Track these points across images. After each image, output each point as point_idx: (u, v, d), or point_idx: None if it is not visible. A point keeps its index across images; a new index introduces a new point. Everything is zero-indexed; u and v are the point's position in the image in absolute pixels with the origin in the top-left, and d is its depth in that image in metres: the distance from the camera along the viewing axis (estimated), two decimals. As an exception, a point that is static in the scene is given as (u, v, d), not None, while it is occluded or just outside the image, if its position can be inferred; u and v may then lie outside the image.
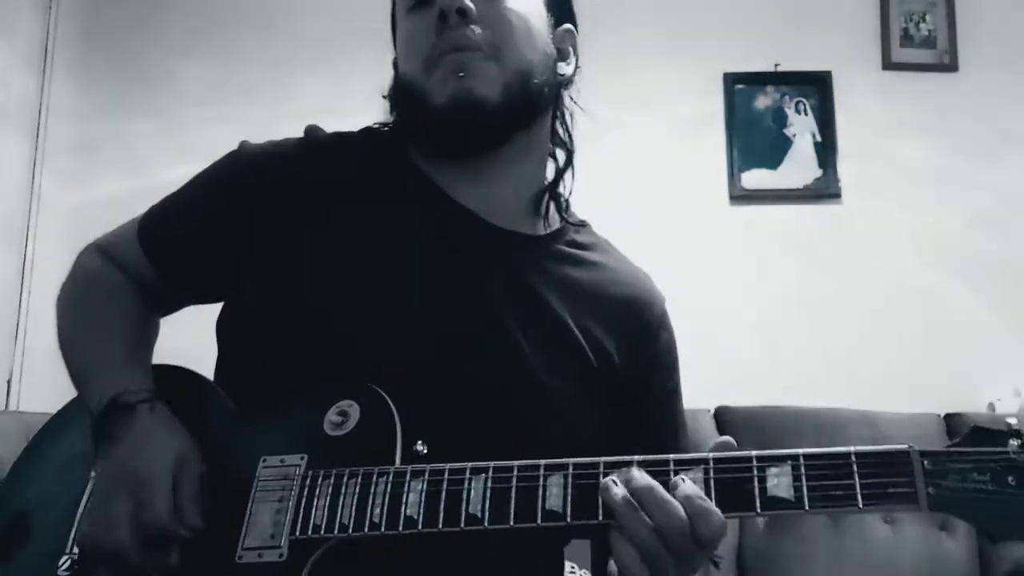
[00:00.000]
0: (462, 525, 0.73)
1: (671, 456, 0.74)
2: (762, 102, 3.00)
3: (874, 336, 2.80)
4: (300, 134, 1.04)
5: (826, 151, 2.94)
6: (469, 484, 0.75)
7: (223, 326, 0.97)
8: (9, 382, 2.71)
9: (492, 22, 0.91)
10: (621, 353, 0.96)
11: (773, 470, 0.72)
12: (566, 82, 1.01)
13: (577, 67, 1.02)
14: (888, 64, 2.99)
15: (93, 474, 0.88)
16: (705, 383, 2.59)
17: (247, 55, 3.01)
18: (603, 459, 0.74)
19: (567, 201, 1.04)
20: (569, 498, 0.73)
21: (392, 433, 0.80)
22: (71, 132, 2.96)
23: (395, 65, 1.02)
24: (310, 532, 0.77)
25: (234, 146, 1.03)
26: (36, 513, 0.92)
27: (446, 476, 0.75)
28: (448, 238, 0.94)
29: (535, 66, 0.94)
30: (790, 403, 2.56)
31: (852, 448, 0.72)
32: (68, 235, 2.83)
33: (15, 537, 0.91)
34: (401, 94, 0.98)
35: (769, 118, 2.99)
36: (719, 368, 2.69)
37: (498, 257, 0.94)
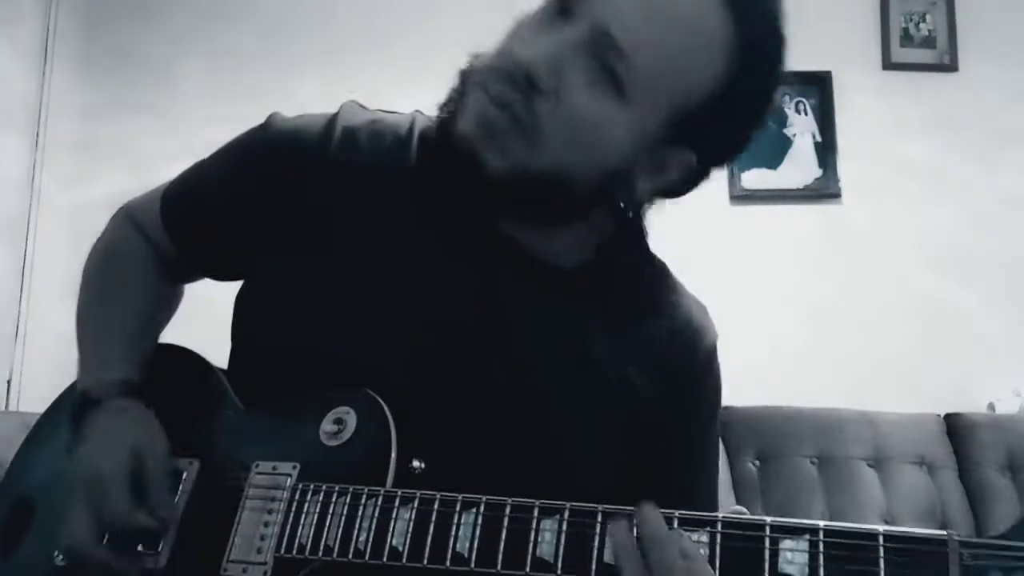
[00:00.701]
0: (447, 564, 0.69)
1: (676, 513, 0.67)
2: (762, 102, 2.99)
3: (874, 336, 2.80)
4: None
5: (826, 151, 2.94)
6: (459, 518, 0.70)
7: (236, 313, 0.94)
8: (9, 382, 2.71)
9: (556, 109, 0.78)
10: (658, 397, 0.87)
11: (788, 543, 0.64)
12: (642, 201, 0.88)
13: (682, 190, 0.88)
14: (888, 64, 2.99)
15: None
16: (705, 383, 2.60)
17: (247, 54, 3.01)
18: (601, 507, 0.68)
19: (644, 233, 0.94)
20: (562, 547, 0.67)
21: (387, 448, 0.76)
22: (71, 131, 2.96)
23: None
24: (295, 552, 0.74)
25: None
26: (34, 504, 0.91)
27: (435, 507, 0.71)
28: (480, 269, 0.85)
29: (585, 173, 0.81)
30: (790, 403, 2.57)
31: (882, 528, 0.64)
32: (68, 235, 2.86)
33: (15, 529, 0.90)
34: (460, 82, 0.85)
35: (769, 118, 2.98)
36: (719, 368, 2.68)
37: (525, 296, 0.86)
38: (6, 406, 2.67)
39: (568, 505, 0.69)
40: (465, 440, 0.80)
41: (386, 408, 0.78)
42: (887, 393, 2.64)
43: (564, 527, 0.68)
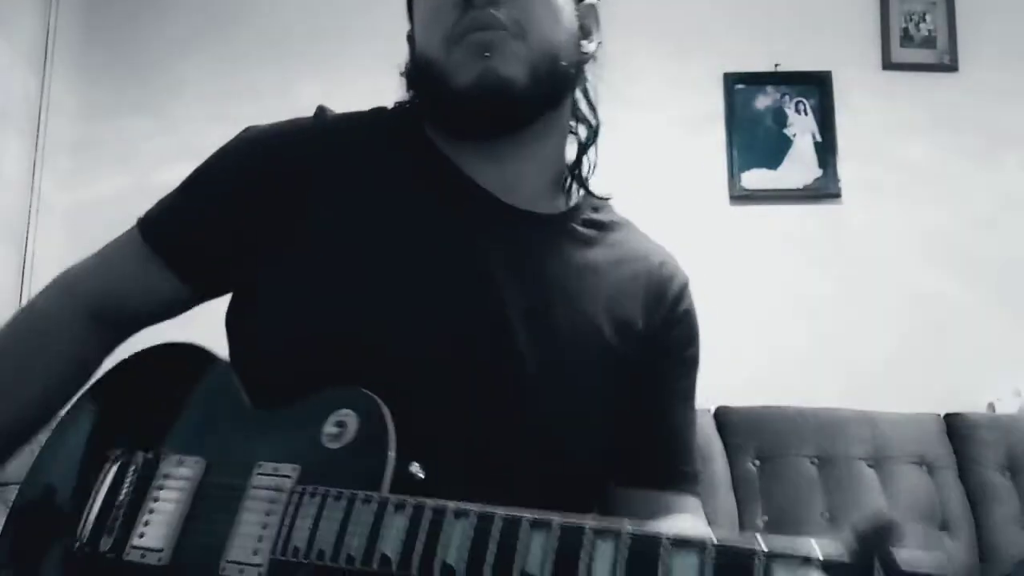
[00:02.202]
0: (435, 575, 0.68)
1: (663, 534, 0.63)
2: (762, 102, 3.00)
3: (874, 336, 2.80)
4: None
5: (826, 151, 2.94)
6: (450, 528, 0.68)
7: (231, 319, 0.95)
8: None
9: (518, 1, 0.87)
10: (644, 326, 0.93)
11: (781, 572, 0.60)
12: (588, 59, 0.97)
13: (599, 42, 0.98)
14: (888, 64, 3.00)
15: (108, 464, 0.88)
16: (705, 383, 2.57)
17: (247, 55, 3.01)
18: (589, 523, 0.65)
19: (587, 178, 1.02)
20: (549, 564, 0.65)
21: (385, 452, 0.75)
22: (71, 132, 2.96)
23: (410, 40, 0.98)
24: (289, 554, 0.74)
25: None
26: (53, 504, 0.91)
27: (425, 515, 0.69)
28: (463, 221, 0.90)
29: (562, 46, 0.90)
30: (790, 403, 2.57)
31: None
32: (68, 235, 2.86)
33: (37, 528, 0.91)
34: (420, 72, 0.93)
35: (769, 118, 2.99)
36: (719, 368, 2.67)
37: (513, 240, 0.91)
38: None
39: (556, 520, 0.66)
40: (464, 424, 0.82)
41: (386, 412, 0.78)
42: (887, 393, 2.65)
43: (553, 543, 0.65)
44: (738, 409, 2.56)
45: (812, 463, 2.48)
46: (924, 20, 3.02)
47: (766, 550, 0.59)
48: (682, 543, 0.61)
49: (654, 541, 0.62)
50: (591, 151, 1.01)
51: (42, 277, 2.82)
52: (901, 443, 2.50)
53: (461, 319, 0.86)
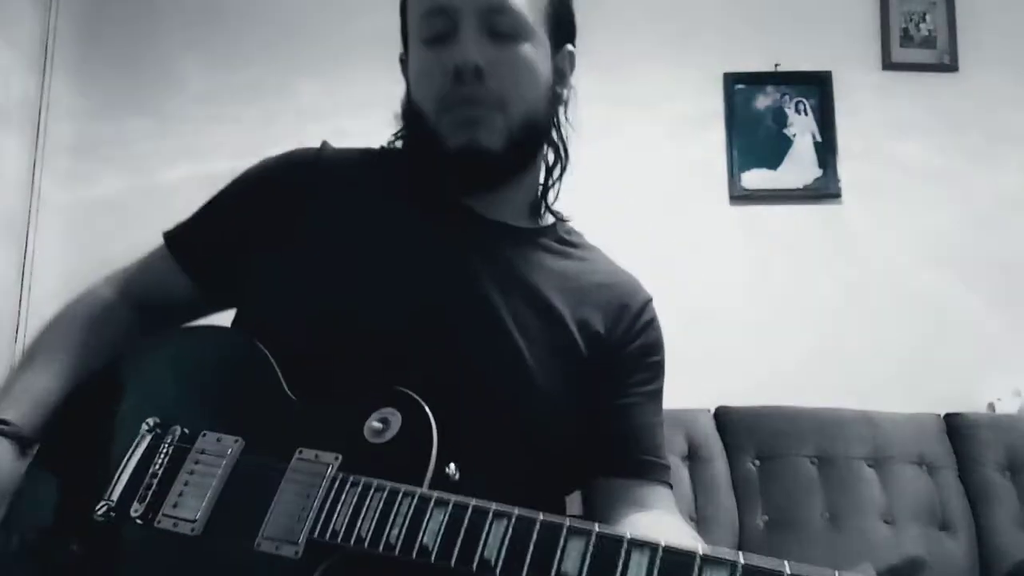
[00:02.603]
0: (474, 567, 0.72)
1: (698, 551, 0.67)
2: (762, 102, 3.00)
3: (874, 336, 2.80)
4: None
5: (826, 151, 2.95)
6: (490, 527, 0.73)
7: (238, 314, 1.03)
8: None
9: (502, 73, 0.97)
10: (608, 331, 1.01)
11: None
12: (561, 102, 1.07)
13: (571, 87, 1.08)
14: (888, 64, 3.00)
15: (142, 431, 0.91)
16: (705, 383, 2.60)
17: (247, 55, 3.00)
18: (627, 536, 0.70)
19: (550, 201, 1.11)
20: (586, 567, 0.69)
21: (428, 452, 0.80)
22: (71, 132, 2.96)
23: (403, 62, 1.07)
24: (327, 536, 0.77)
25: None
26: (78, 466, 0.94)
27: (469, 513, 0.74)
28: (444, 230, 1.00)
29: (539, 108, 1.01)
30: (790, 403, 2.57)
31: None
32: (68, 235, 2.86)
33: (58, 487, 0.93)
34: (414, 120, 1.02)
35: (769, 118, 2.99)
36: (719, 368, 2.69)
37: (492, 247, 1.00)
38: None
39: (596, 528, 0.71)
40: (461, 415, 0.86)
41: (431, 416, 0.82)
42: (887, 393, 2.65)
43: (591, 548, 0.70)
44: (738, 409, 2.57)
45: (812, 463, 2.48)
46: (924, 20, 3.02)
47: (790, 574, 0.63)
48: (713, 560, 0.66)
49: (688, 556, 0.67)
50: (559, 179, 1.09)
51: (42, 277, 2.83)
52: (901, 443, 2.50)
53: (444, 311, 0.94)
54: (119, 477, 0.88)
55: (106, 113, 3.00)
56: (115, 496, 0.87)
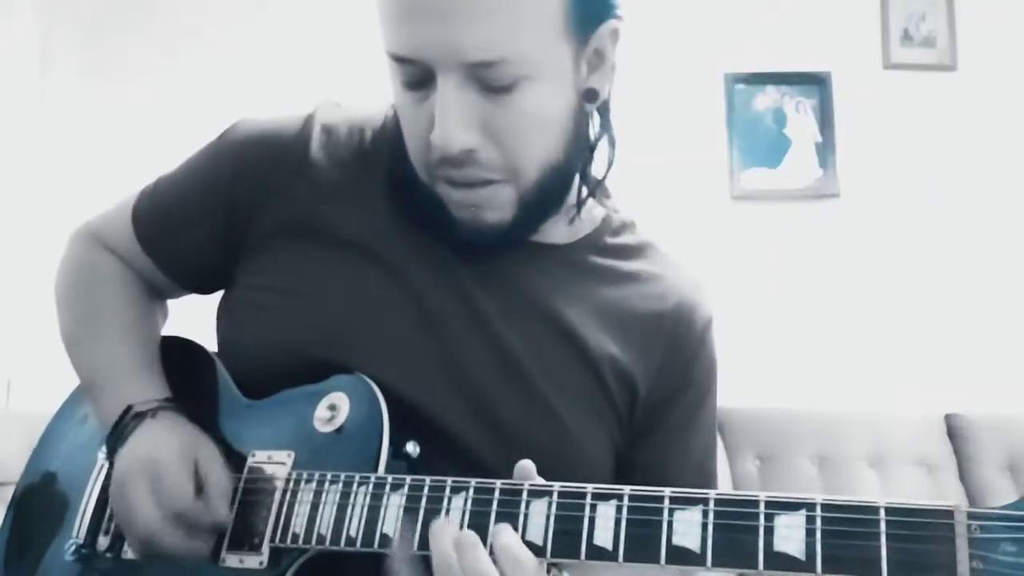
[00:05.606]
0: None
1: (666, 490, 0.65)
2: (762, 102, 2.99)
3: (874, 336, 2.80)
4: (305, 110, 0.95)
5: (826, 151, 2.94)
6: (448, 503, 0.70)
7: (219, 314, 0.95)
8: (9, 382, 2.71)
9: (502, 139, 0.78)
10: (647, 377, 0.88)
11: (783, 519, 0.61)
12: (597, 95, 0.86)
13: (613, 66, 0.87)
14: (888, 64, 2.99)
15: (99, 462, 0.87)
16: (705, 383, 2.60)
17: (247, 54, 3.01)
18: (591, 487, 0.67)
19: (599, 197, 0.96)
20: (550, 530, 0.67)
21: (379, 433, 0.76)
22: (71, 130, 2.96)
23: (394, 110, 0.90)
24: (289, 541, 0.75)
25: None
26: (50, 498, 0.91)
27: (425, 492, 0.71)
28: (449, 271, 0.86)
29: (560, 149, 0.83)
30: (790, 404, 2.57)
31: (882, 503, 0.60)
32: (68, 235, 2.85)
33: (33, 523, 0.90)
34: (409, 168, 0.86)
35: (769, 118, 2.99)
36: (719, 368, 2.68)
37: (513, 278, 0.87)
38: (7, 406, 2.67)
39: (557, 486, 0.68)
40: (458, 420, 0.81)
41: (378, 392, 0.78)
42: (887, 393, 2.64)
43: (553, 509, 0.67)
44: (738, 409, 2.56)
45: (812, 463, 2.48)
46: (924, 20, 3.02)
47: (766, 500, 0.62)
48: (682, 500, 0.64)
49: (656, 499, 0.65)
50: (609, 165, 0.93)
51: (42, 277, 2.82)
52: (901, 443, 2.50)
53: (453, 339, 0.84)
54: (83, 513, 0.86)
55: (106, 113, 2.99)
56: (82, 533, 0.85)
